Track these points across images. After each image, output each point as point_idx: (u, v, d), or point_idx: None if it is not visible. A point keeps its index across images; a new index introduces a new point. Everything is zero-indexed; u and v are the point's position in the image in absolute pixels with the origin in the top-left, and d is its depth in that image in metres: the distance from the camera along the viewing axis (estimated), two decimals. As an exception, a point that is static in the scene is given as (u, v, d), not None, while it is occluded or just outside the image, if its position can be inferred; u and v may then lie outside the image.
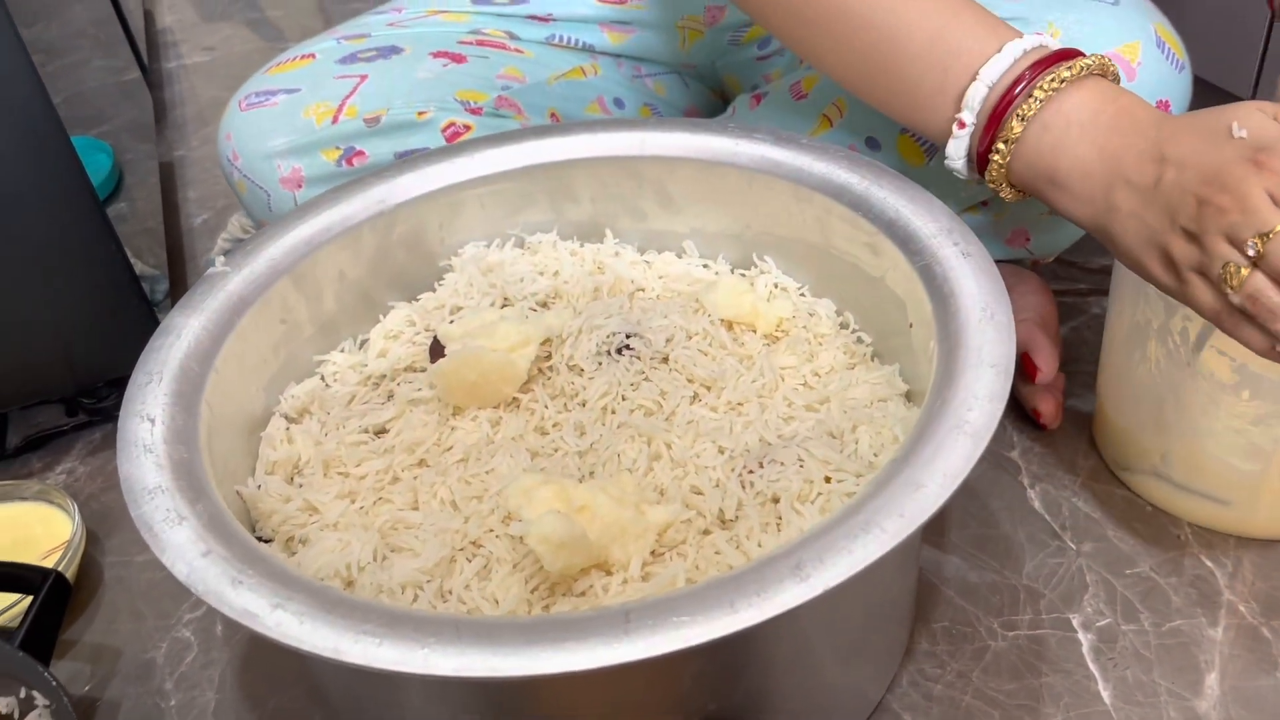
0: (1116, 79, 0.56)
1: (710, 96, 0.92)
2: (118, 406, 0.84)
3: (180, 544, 0.47)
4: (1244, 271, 0.47)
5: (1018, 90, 0.54)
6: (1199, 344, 0.62)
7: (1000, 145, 0.55)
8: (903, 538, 0.44)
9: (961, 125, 0.56)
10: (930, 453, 0.47)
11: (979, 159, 0.57)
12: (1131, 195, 0.51)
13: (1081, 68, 0.54)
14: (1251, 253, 0.46)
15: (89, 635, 0.70)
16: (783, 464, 0.57)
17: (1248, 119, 0.49)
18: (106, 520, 0.78)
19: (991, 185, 0.57)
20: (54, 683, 0.54)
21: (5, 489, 0.76)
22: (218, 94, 1.41)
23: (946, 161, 0.57)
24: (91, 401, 0.83)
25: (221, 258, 0.64)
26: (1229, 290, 0.48)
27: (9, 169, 0.69)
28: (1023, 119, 0.54)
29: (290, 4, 1.66)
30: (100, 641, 0.70)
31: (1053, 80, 0.54)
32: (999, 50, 0.55)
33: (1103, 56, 0.55)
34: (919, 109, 0.57)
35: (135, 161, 1.05)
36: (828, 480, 0.56)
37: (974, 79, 0.55)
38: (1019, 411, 0.78)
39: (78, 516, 0.73)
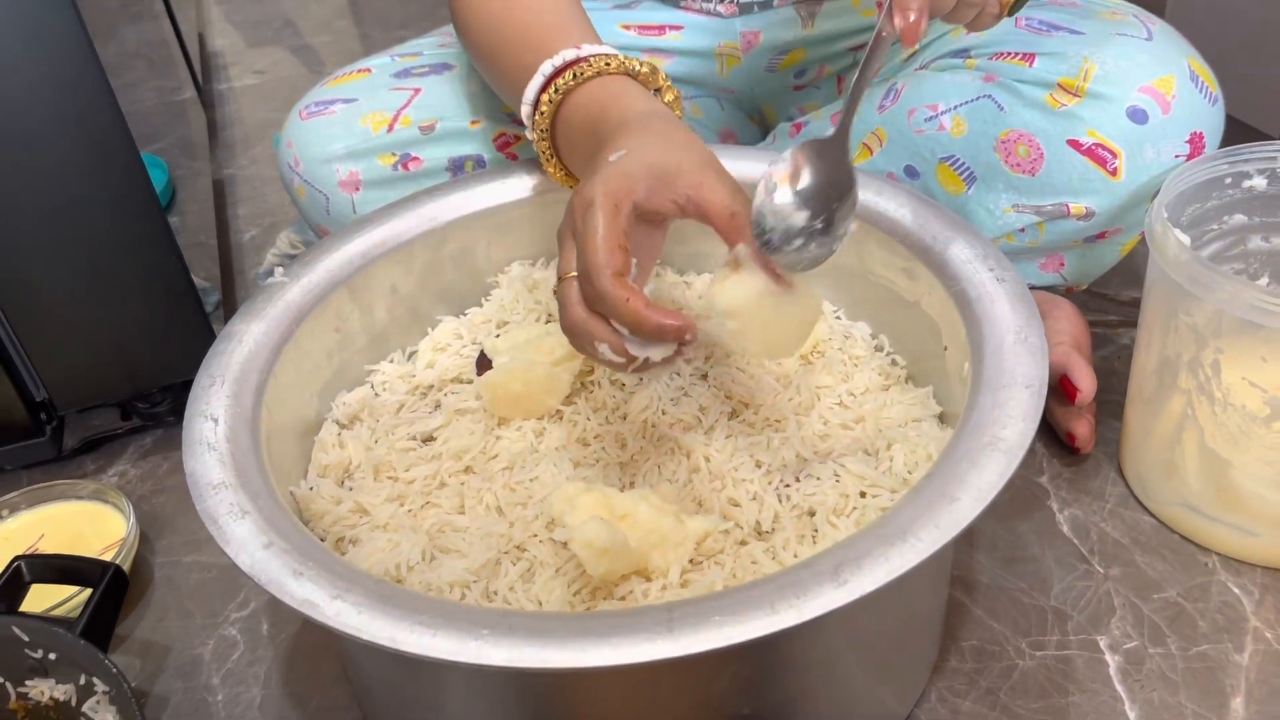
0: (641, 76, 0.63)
1: (748, 122, 0.94)
2: (170, 412, 0.88)
3: (243, 537, 0.50)
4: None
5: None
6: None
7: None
8: (938, 547, 0.45)
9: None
10: (965, 468, 0.49)
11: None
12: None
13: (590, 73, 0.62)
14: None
15: (139, 631, 0.73)
16: (819, 479, 0.59)
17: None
18: (157, 522, 0.81)
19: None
20: (114, 670, 0.57)
21: (62, 488, 0.78)
22: (267, 115, 1.45)
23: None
24: (146, 406, 0.85)
25: (280, 269, 0.66)
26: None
27: (80, 178, 0.73)
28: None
29: (333, 31, 1.70)
30: (150, 638, 0.72)
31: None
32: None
33: (621, 58, 0.63)
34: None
35: (187, 178, 1.08)
36: (863, 495, 0.58)
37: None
38: (1048, 438, 0.79)
39: (132, 515, 0.75)
